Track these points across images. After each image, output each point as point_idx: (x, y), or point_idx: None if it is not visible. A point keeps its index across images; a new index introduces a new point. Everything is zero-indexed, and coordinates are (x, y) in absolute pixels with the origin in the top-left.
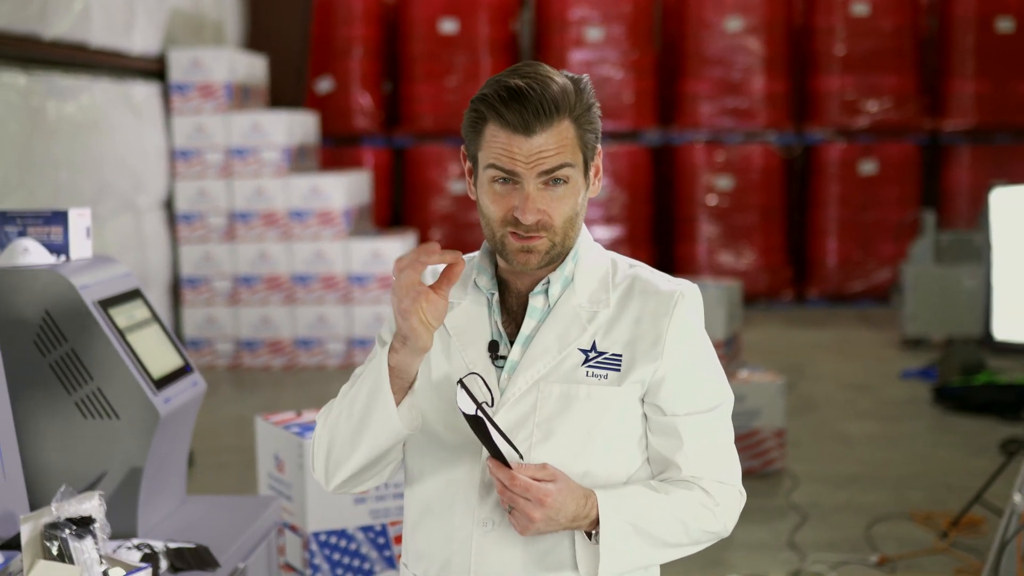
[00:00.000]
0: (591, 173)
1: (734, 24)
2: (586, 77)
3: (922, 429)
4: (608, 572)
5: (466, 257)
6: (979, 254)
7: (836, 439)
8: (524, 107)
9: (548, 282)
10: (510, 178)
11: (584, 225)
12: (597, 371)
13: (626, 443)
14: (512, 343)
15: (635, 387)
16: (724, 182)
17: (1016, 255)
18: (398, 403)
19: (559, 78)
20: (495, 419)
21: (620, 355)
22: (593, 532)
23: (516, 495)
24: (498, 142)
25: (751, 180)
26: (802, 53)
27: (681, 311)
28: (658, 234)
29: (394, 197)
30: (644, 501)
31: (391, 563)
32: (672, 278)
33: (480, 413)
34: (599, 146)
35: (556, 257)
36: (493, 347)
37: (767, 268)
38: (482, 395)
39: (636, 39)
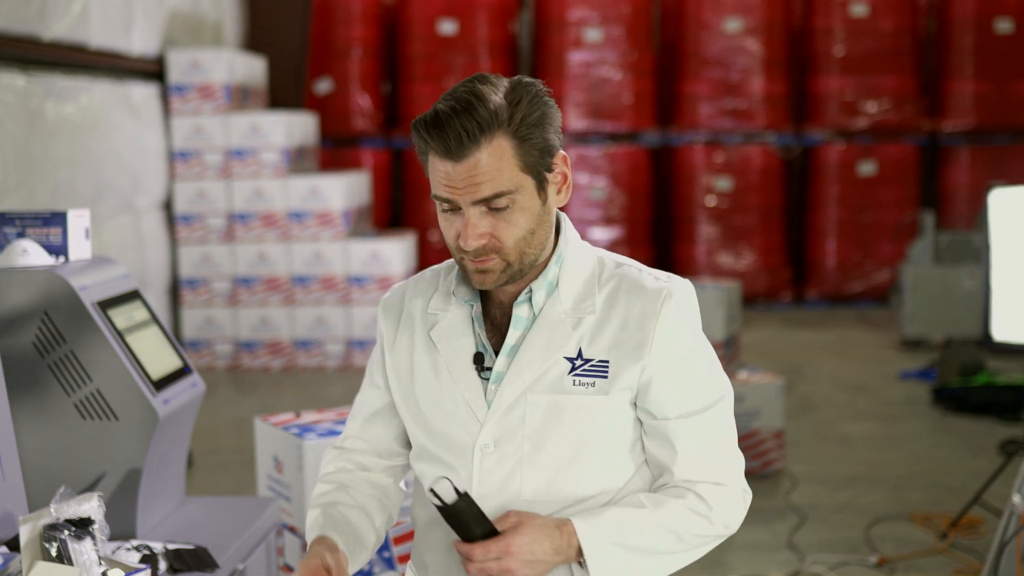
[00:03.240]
0: (549, 184)
1: (733, 25)
2: (536, 85)
3: (921, 430)
4: None
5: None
6: (978, 255)
7: (835, 440)
8: (446, 133)
9: (531, 291)
10: (452, 207)
11: (568, 224)
12: (584, 379)
13: (617, 452)
14: (497, 354)
15: (624, 393)
16: (723, 183)
17: (1015, 256)
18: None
19: (495, 94)
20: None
21: (607, 361)
22: (582, 560)
23: (485, 563)
24: (436, 169)
25: (750, 181)
26: (801, 54)
27: (668, 310)
28: (657, 235)
29: (393, 198)
30: (624, 519)
31: (390, 564)
32: (661, 274)
33: (460, 500)
34: (560, 152)
35: (516, 275)
36: (478, 359)
37: (766, 269)
38: (451, 494)
39: (635, 40)
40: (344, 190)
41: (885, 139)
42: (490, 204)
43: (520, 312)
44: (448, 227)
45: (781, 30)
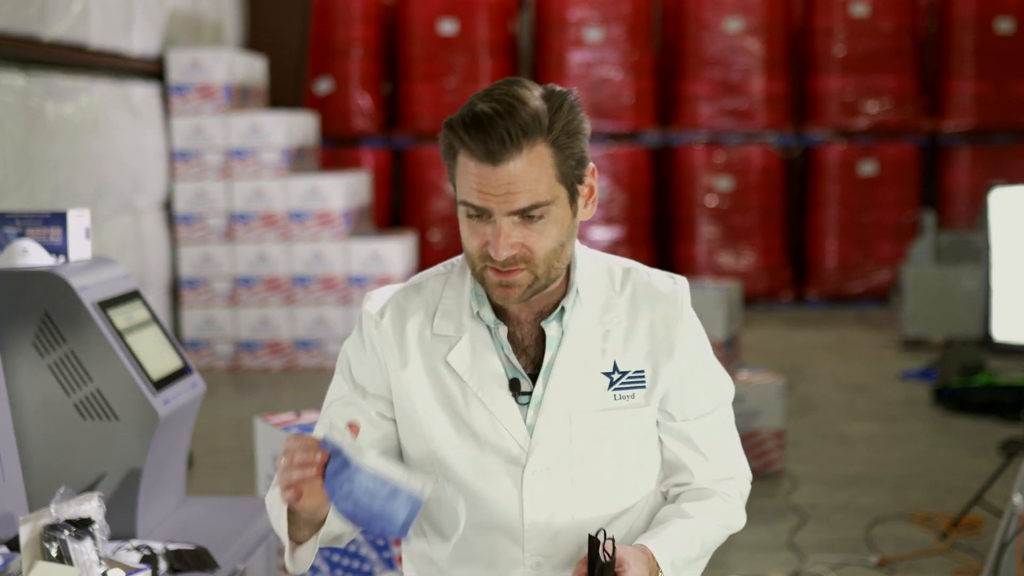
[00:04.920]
0: (580, 196)
1: (733, 25)
2: (571, 93)
3: (922, 430)
4: None
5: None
6: (978, 255)
7: (835, 440)
8: (488, 135)
9: (563, 309)
10: (481, 214)
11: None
12: (624, 392)
13: (652, 457)
14: (529, 375)
15: (659, 398)
16: (723, 183)
17: (1015, 256)
18: (305, 537)
19: (534, 99)
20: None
21: (642, 371)
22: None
23: None
24: (469, 173)
25: (750, 181)
26: (801, 54)
27: (687, 313)
28: (657, 235)
29: (393, 198)
30: (687, 537)
31: (391, 564)
32: (665, 275)
33: (606, 554)
34: (591, 166)
35: (540, 289)
36: (515, 385)
37: (766, 269)
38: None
39: (635, 40)
40: (344, 190)
41: (885, 139)
42: (525, 214)
43: (551, 331)
44: (472, 235)
45: (781, 30)
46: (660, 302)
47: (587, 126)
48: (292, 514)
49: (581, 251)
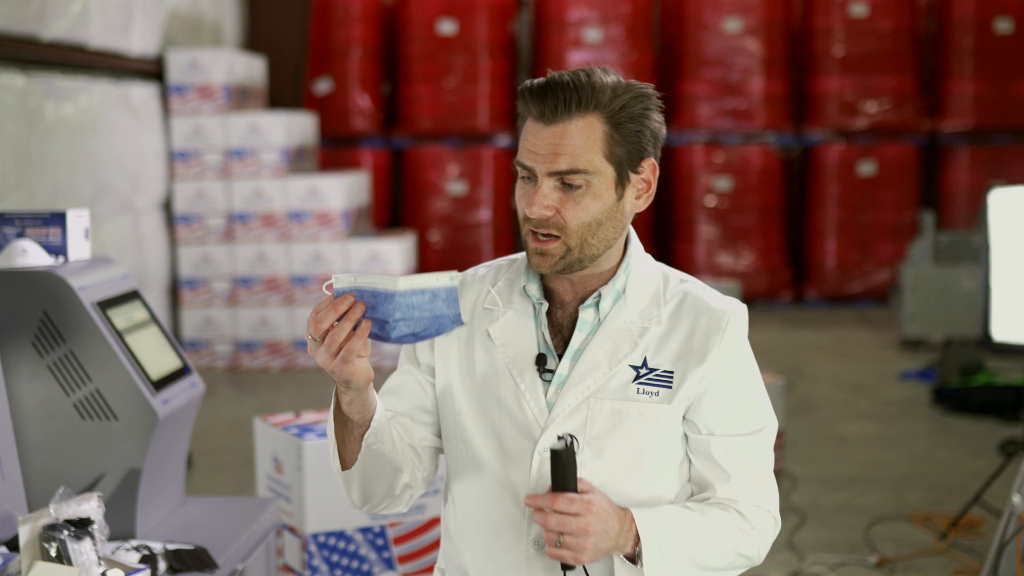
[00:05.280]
0: (632, 186)
1: (733, 25)
2: (648, 88)
3: (921, 430)
4: None
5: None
6: (978, 255)
7: (835, 440)
8: (546, 98)
9: (600, 296)
10: (531, 176)
11: (635, 236)
12: (648, 388)
13: (670, 465)
14: (559, 356)
15: (685, 403)
16: (723, 183)
17: (1015, 256)
18: (357, 453)
19: (605, 78)
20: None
21: (671, 372)
22: (635, 553)
23: (563, 512)
24: (527, 134)
25: (750, 181)
26: (801, 54)
27: (732, 330)
28: (657, 235)
29: (393, 198)
30: (680, 520)
31: (390, 564)
32: (722, 296)
33: (567, 444)
34: (652, 161)
35: (575, 264)
36: (541, 360)
37: (766, 269)
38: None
39: (635, 40)
40: (344, 190)
41: (885, 139)
42: (564, 179)
43: (586, 316)
44: (521, 196)
45: (781, 30)
46: (705, 314)
47: (656, 123)
48: (341, 424)
49: (639, 252)
